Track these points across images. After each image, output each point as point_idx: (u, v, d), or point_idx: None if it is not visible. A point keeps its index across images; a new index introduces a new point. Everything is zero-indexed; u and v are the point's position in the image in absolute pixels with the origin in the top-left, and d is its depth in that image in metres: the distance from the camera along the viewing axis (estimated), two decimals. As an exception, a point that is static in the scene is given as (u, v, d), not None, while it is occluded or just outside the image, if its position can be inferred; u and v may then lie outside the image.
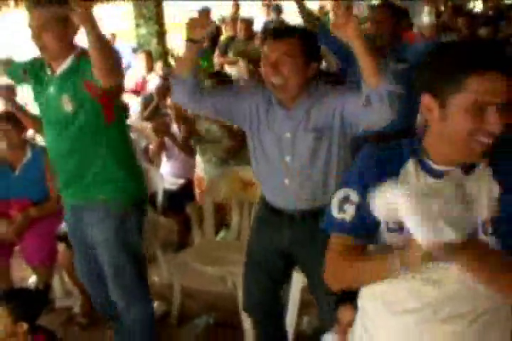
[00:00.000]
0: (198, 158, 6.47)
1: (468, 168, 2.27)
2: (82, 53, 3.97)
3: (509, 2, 16.94)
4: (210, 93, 3.91)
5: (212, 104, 3.88)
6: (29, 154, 5.54)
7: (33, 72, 4.20)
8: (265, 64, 3.62)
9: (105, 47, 3.74)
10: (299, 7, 5.80)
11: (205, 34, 3.79)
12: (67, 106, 3.96)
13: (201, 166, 6.39)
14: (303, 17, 5.82)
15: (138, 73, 10.15)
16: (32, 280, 5.81)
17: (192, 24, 3.71)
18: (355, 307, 3.54)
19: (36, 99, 4.23)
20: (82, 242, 4.38)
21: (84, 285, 4.73)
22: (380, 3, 6.68)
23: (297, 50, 3.56)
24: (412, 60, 5.31)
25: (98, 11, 4.10)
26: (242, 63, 10.45)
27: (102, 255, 4.29)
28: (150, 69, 10.25)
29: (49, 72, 4.06)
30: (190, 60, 3.81)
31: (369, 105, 3.37)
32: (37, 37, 3.88)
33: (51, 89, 4.03)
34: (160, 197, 5.97)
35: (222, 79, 6.43)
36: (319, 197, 3.78)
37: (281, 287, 4.33)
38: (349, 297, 3.79)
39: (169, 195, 6.22)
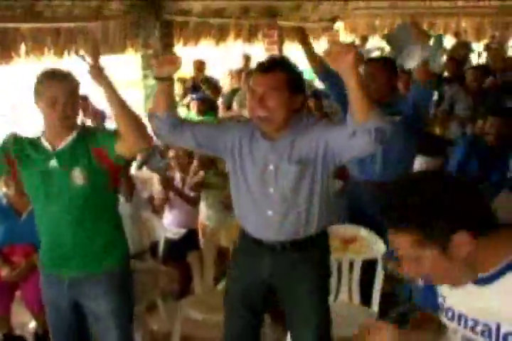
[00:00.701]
0: (202, 205, 6.53)
1: None
2: (82, 128, 4.07)
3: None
4: (191, 126, 3.95)
5: (193, 136, 3.91)
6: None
7: (17, 152, 4.07)
8: (252, 98, 3.69)
9: (129, 110, 3.83)
10: (304, 49, 5.79)
11: (173, 72, 3.83)
12: (78, 180, 3.90)
13: (204, 213, 6.45)
14: (308, 58, 5.82)
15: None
16: (32, 325, 5.83)
17: (159, 63, 3.77)
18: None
19: (28, 177, 4.10)
20: (71, 310, 4.20)
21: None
22: (376, 57, 6.80)
23: (282, 83, 3.64)
24: (405, 110, 5.43)
25: (106, 60, 4.14)
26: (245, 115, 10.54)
27: (107, 323, 4.16)
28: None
29: (48, 148, 4.01)
30: (164, 97, 3.87)
31: (353, 138, 3.41)
32: (63, 109, 3.86)
33: (53, 165, 3.97)
34: (161, 247, 6.03)
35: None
36: (302, 227, 3.84)
37: (262, 319, 4.33)
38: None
39: (171, 244, 6.26)
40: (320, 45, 19.02)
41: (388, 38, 5.61)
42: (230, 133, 3.91)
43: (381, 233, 5.15)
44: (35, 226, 5.47)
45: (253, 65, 14.81)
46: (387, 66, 5.63)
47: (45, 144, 4.01)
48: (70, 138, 3.97)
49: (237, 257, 4.25)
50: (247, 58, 14.63)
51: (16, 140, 4.13)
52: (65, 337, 4.33)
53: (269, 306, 4.40)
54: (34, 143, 4.07)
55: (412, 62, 5.21)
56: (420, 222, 2.19)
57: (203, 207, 6.55)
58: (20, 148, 4.07)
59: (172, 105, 3.93)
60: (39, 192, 4.03)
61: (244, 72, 12.35)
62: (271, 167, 3.79)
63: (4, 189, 5.84)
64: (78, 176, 3.90)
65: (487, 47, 18.35)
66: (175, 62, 3.76)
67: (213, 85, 12.46)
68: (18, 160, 4.05)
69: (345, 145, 3.53)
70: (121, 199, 5.74)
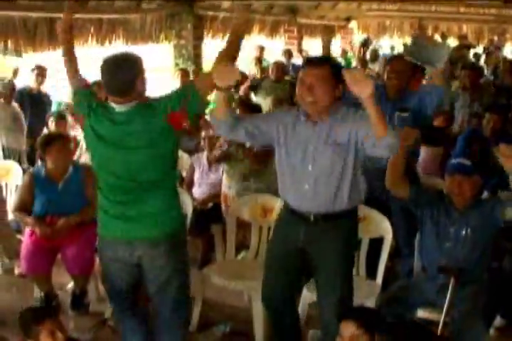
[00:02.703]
0: (224, 175, 6.58)
1: None
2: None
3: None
4: (244, 124, 4.12)
5: (245, 129, 4.12)
6: (71, 169, 5.60)
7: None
8: (301, 86, 3.94)
9: None
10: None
11: (232, 83, 3.93)
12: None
13: (226, 183, 6.49)
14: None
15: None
16: (70, 286, 5.87)
17: (219, 75, 3.84)
18: (357, 323, 3.64)
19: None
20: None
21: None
22: (398, 55, 6.80)
23: (327, 75, 3.89)
24: (412, 108, 5.49)
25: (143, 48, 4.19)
26: (268, 101, 10.54)
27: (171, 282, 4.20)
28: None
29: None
30: (222, 104, 4.02)
31: (374, 148, 3.74)
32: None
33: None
34: (188, 219, 6.05)
35: (251, 107, 6.62)
36: (332, 202, 4.06)
37: (295, 286, 4.50)
38: (352, 312, 3.89)
39: (197, 216, 6.27)
40: (335, 42, 19.14)
41: (409, 53, 5.62)
42: (276, 120, 4.16)
43: (387, 214, 5.22)
44: (71, 195, 5.45)
45: (266, 54, 15.04)
46: (411, 64, 5.67)
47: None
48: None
49: (278, 225, 4.45)
50: (261, 48, 14.79)
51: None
52: (122, 294, 4.35)
53: (302, 281, 4.59)
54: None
55: (440, 62, 5.27)
56: None
57: (225, 178, 6.55)
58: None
59: (230, 109, 4.13)
60: None
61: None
62: (311, 147, 4.02)
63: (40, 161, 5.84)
64: None
65: (485, 50, 18.33)
66: (234, 74, 3.86)
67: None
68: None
69: (368, 149, 3.81)
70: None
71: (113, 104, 3.96)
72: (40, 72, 9.23)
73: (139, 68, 3.94)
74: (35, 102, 9.26)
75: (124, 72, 3.87)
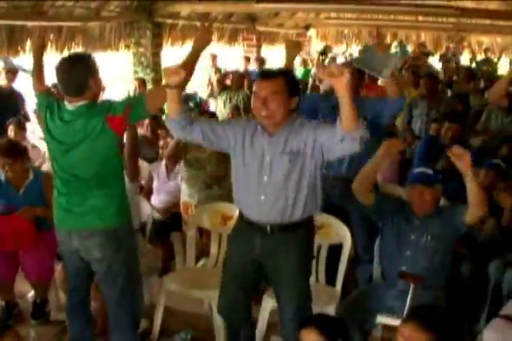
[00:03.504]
0: (183, 185, 6.55)
1: None
2: None
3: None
4: (200, 125, 4.10)
5: (202, 134, 4.09)
6: (31, 176, 5.56)
7: None
8: (255, 100, 3.94)
9: None
10: None
11: (179, 81, 3.89)
12: None
13: (186, 192, 6.46)
14: None
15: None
16: (30, 294, 5.84)
17: (167, 72, 3.86)
18: (318, 330, 3.65)
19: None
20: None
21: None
22: (342, 62, 6.84)
23: (281, 88, 3.89)
24: (369, 115, 5.48)
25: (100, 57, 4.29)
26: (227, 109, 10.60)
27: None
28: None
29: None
30: (173, 102, 3.99)
31: (342, 143, 3.67)
32: None
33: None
34: (148, 227, 6.06)
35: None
36: (289, 212, 4.05)
37: (251, 295, 4.51)
38: (313, 320, 3.90)
39: (157, 225, 6.28)
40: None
41: (357, 62, 5.67)
42: (234, 128, 4.13)
43: (346, 221, 5.26)
44: (31, 199, 5.43)
45: (224, 62, 15.12)
46: (355, 69, 5.61)
47: None
48: None
49: (234, 236, 4.45)
50: (213, 57, 14.99)
51: None
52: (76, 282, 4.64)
53: (257, 291, 4.70)
54: None
55: (385, 72, 5.30)
56: None
57: (184, 187, 6.52)
58: None
59: (182, 108, 4.06)
60: None
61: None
62: (267, 158, 4.02)
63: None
64: None
65: (441, 58, 18.51)
66: (179, 73, 3.83)
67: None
68: None
69: (335, 147, 3.78)
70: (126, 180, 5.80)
71: (66, 103, 4.19)
72: (10, 70, 9.12)
73: (91, 67, 4.15)
74: (5, 100, 9.07)
75: (77, 71, 4.09)
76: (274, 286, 4.33)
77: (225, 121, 4.26)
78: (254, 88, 4.01)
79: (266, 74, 4.04)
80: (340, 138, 3.65)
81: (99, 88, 4.27)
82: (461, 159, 4.25)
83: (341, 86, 3.48)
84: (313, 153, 3.92)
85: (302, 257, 4.21)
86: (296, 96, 3.97)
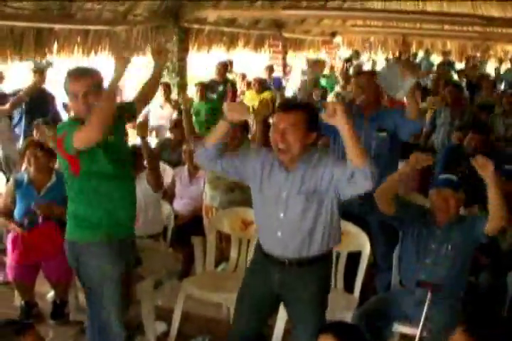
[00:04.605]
0: (206, 187, 6.55)
1: None
2: None
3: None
4: (225, 159, 4.07)
5: (221, 166, 4.08)
6: (54, 178, 5.66)
7: None
8: (274, 131, 3.86)
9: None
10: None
11: (240, 121, 4.00)
12: None
13: (208, 195, 6.46)
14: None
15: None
16: (50, 295, 5.90)
17: (231, 109, 3.87)
18: (335, 337, 3.65)
19: None
20: None
21: None
22: (365, 70, 6.84)
23: (301, 122, 3.82)
24: (390, 129, 5.54)
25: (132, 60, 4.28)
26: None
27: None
28: (166, 99, 10.70)
29: None
30: (217, 134, 3.98)
31: (352, 179, 3.63)
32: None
33: None
34: (170, 231, 6.11)
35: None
36: (305, 248, 3.99)
37: (265, 324, 4.50)
38: (330, 326, 3.89)
39: (178, 229, 6.32)
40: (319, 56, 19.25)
41: (379, 76, 5.67)
42: (253, 162, 4.07)
43: (364, 229, 5.26)
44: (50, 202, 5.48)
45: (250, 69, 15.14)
46: (375, 78, 5.67)
47: None
48: None
49: (252, 269, 4.40)
50: (229, 62, 14.56)
51: None
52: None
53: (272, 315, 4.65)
54: None
55: (401, 93, 5.32)
56: None
57: (207, 189, 6.52)
58: None
59: (221, 143, 4.02)
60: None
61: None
62: (284, 194, 3.95)
63: (25, 166, 5.87)
64: None
65: (466, 67, 18.45)
66: (244, 113, 3.88)
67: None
68: None
69: (346, 185, 3.73)
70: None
71: None
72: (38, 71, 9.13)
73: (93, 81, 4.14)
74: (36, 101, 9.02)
75: None
76: (290, 315, 4.31)
77: (246, 155, 4.17)
78: (273, 120, 3.96)
79: (286, 107, 3.96)
80: (350, 173, 3.63)
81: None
82: (484, 168, 4.29)
83: (337, 123, 3.53)
84: (329, 190, 3.86)
85: (320, 291, 4.15)
86: (316, 131, 3.92)
